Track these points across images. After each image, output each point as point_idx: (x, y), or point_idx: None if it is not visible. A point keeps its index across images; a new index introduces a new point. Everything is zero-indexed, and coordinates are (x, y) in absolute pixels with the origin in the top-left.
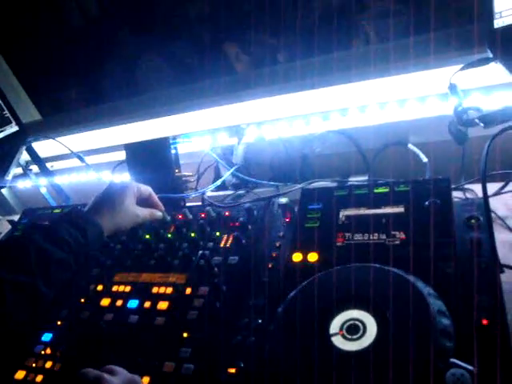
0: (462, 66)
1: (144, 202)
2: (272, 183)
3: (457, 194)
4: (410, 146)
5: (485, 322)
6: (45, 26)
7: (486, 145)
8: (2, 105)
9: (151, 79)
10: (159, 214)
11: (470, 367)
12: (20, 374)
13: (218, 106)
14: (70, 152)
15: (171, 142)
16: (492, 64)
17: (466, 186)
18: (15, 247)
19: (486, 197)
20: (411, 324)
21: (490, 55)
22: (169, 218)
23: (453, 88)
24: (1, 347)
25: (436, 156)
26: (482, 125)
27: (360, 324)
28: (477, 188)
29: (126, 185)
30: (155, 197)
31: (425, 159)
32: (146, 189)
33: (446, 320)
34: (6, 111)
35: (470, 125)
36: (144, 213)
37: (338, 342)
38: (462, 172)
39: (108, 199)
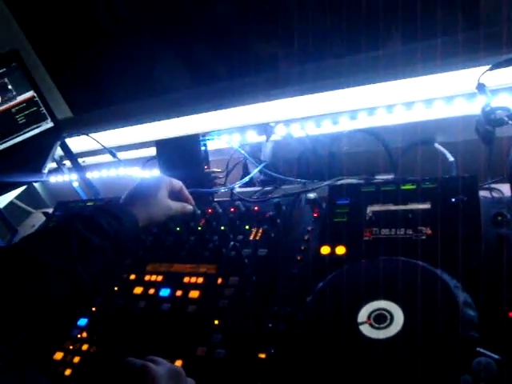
0: (490, 66)
1: (175, 195)
2: (299, 180)
3: (483, 194)
4: (437, 145)
5: (511, 314)
6: (74, 25)
7: None
8: (39, 101)
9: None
10: (190, 207)
11: (495, 356)
12: (58, 355)
13: (248, 104)
14: (101, 148)
15: (201, 138)
16: None
17: (493, 186)
18: (58, 234)
19: None
20: (437, 314)
21: None
22: (199, 211)
23: (481, 88)
24: (41, 329)
25: (462, 155)
26: (510, 122)
27: (387, 314)
28: (503, 188)
29: (158, 178)
30: (186, 191)
31: (451, 158)
32: (178, 183)
33: (472, 311)
34: (43, 107)
35: (497, 124)
36: (176, 206)
37: (366, 330)
38: (488, 172)
39: (142, 192)
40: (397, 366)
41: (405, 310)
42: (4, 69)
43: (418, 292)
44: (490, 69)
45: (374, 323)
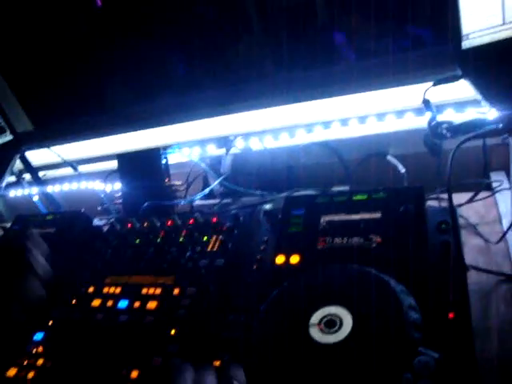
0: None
1: None
2: (258, 192)
3: (432, 203)
4: (389, 157)
5: (451, 315)
6: (35, 36)
7: (451, 154)
8: None
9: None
10: None
11: (435, 354)
12: (12, 372)
13: (208, 117)
14: (62, 161)
15: (162, 152)
16: (462, 81)
17: (441, 196)
18: None
19: (450, 202)
20: (383, 317)
21: (460, 73)
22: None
23: (426, 103)
24: None
25: (413, 167)
26: (448, 135)
27: (337, 319)
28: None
29: None
30: None
31: (402, 170)
32: None
33: (416, 314)
34: (1, 120)
35: (442, 138)
36: None
37: (317, 335)
38: (437, 182)
39: None
40: (345, 368)
41: (353, 314)
42: None
43: (365, 297)
44: (434, 85)
45: (324, 328)
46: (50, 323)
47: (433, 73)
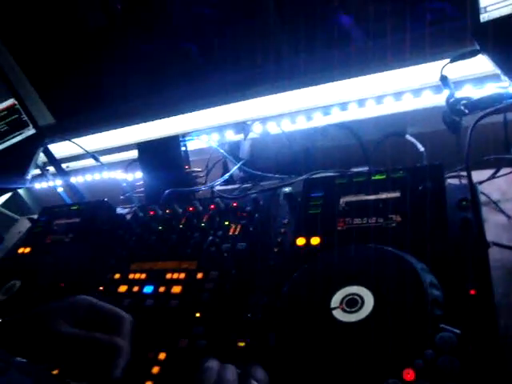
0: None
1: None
2: (277, 176)
3: (452, 181)
4: (408, 136)
5: (472, 292)
6: (53, 29)
7: (469, 130)
8: (20, 109)
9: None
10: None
11: (456, 330)
12: None
13: (225, 104)
14: (84, 152)
15: (181, 139)
16: (480, 56)
17: (462, 173)
18: None
19: (469, 179)
20: (404, 295)
21: (478, 47)
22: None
23: (444, 80)
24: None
25: (433, 145)
26: (467, 111)
27: (359, 298)
28: (472, 174)
29: None
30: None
31: (422, 148)
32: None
33: (437, 291)
34: (24, 115)
35: (461, 114)
36: None
37: (339, 315)
38: (457, 159)
39: None
40: (367, 346)
41: (375, 293)
42: None
43: (386, 276)
44: (451, 61)
45: (346, 308)
46: None
47: (450, 49)
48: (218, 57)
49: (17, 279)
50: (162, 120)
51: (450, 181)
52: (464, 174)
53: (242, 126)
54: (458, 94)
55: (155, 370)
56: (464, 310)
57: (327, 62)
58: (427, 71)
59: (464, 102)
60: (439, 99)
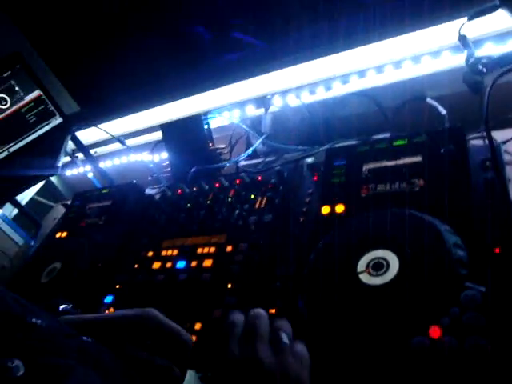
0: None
1: None
2: (300, 147)
3: (476, 142)
4: (429, 99)
5: (497, 250)
6: (74, 14)
7: (488, 88)
8: (46, 99)
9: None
10: None
11: (481, 288)
12: None
13: (245, 79)
14: (110, 137)
15: (203, 117)
16: (500, 11)
17: (485, 134)
18: None
19: (489, 137)
20: (429, 256)
21: (497, 2)
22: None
23: (463, 39)
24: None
25: (454, 107)
26: (487, 70)
27: (384, 262)
28: (496, 134)
29: None
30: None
31: (443, 111)
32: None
33: (461, 251)
34: (50, 105)
35: (482, 73)
36: None
37: (365, 278)
38: (480, 120)
39: None
40: (394, 306)
41: (399, 256)
42: (9, 71)
43: (411, 238)
44: (469, 19)
45: (372, 271)
46: (118, 287)
47: (467, 7)
48: (235, 33)
49: (57, 262)
50: (184, 100)
51: (473, 142)
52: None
53: (262, 101)
54: (479, 53)
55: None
56: (489, 269)
57: (346, 29)
58: (445, 32)
59: (484, 60)
60: (459, 60)
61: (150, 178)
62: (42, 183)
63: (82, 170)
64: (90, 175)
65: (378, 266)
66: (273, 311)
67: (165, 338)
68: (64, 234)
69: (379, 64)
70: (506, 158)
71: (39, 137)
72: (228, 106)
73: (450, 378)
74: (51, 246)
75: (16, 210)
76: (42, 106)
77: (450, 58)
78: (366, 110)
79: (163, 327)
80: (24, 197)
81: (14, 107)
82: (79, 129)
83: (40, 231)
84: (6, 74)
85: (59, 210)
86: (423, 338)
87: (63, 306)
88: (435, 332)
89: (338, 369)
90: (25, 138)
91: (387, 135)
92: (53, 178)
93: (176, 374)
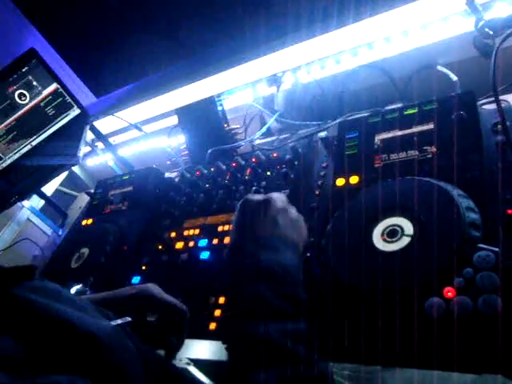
0: None
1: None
2: (313, 123)
3: (489, 106)
4: (439, 67)
5: (510, 211)
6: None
7: (494, 50)
8: (63, 92)
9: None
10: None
11: (495, 249)
12: None
13: (256, 58)
14: (127, 125)
15: (217, 99)
16: None
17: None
18: None
19: (497, 99)
20: (442, 220)
21: None
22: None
23: (470, 3)
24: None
25: (466, 73)
26: (491, 32)
27: (398, 228)
28: (508, 97)
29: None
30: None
31: (454, 78)
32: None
33: (474, 214)
34: (68, 97)
35: (492, 37)
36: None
37: (381, 245)
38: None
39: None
40: (409, 270)
41: (413, 222)
42: (26, 67)
43: (424, 205)
44: None
45: (387, 238)
46: (144, 268)
47: None
48: (244, 12)
49: (84, 248)
50: (197, 83)
51: (485, 107)
52: (501, 98)
53: (273, 79)
54: (488, 17)
55: (217, 312)
56: (502, 230)
57: (352, 2)
58: None
59: (492, 23)
60: (468, 26)
61: (168, 163)
62: (65, 174)
63: (102, 159)
64: (111, 163)
65: (393, 233)
66: None
67: (160, 310)
68: (90, 221)
69: (387, 35)
70: None
71: (59, 129)
72: (240, 87)
73: (464, 336)
74: (78, 233)
75: (42, 202)
76: (60, 99)
77: (459, 24)
78: (377, 82)
79: (157, 300)
80: (48, 188)
81: (34, 102)
82: (97, 118)
83: (66, 220)
84: (23, 70)
85: (83, 199)
86: (438, 298)
87: (77, 287)
88: (450, 293)
89: (359, 333)
90: (46, 131)
91: (398, 106)
92: (75, 169)
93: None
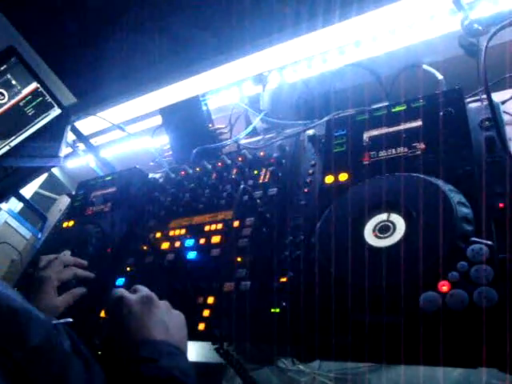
0: None
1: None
2: (299, 122)
3: (474, 105)
4: (425, 66)
5: (501, 205)
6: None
7: (484, 46)
8: (43, 91)
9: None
10: (79, 291)
11: (489, 242)
12: (103, 313)
13: (242, 57)
14: (109, 126)
15: (201, 99)
16: None
17: (483, 96)
18: None
19: (489, 96)
20: (434, 215)
21: None
22: (92, 275)
23: (456, 2)
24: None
25: (451, 72)
26: (482, 30)
27: (390, 224)
28: (495, 96)
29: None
30: (80, 273)
31: (440, 77)
32: (68, 273)
33: (466, 209)
34: (48, 96)
35: (477, 35)
36: (65, 301)
37: (372, 241)
38: (478, 84)
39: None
40: (403, 265)
41: (405, 218)
42: (5, 65)
43: (415, 199)
44: None
45: (378, 234)
46: (128, 269)
47: None
48: (229, 10)
49: (66, 251)
50: (181, 82)
51: (471, 105)
52: (485, 96)
53: (259, 78)
54: (474, 15)
55: (206, 312)
56: (494, 223)
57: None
58: None
59: (479, 20)
60: (453, 25)
61: (151, 164)
62: (44, 176)
63: (83, 161)
64: (93, 165)
65: (385, 229)
66: (284, 279)
67: None
68: (71, 223)
69: (374, 34)
70: (507, 117)
71: (39, 129)
72: (225, 86)
73: (460, 329)
74: (59, 235)
75: (21, 205)
76: (40, 99)
77: (444, 24)
78: (363, 81)
79: None
80: (27, 191)
81: (12, 101)
82: (78, 118)
83: (46, 224)
84: (1, 68)
85: (64, 202)
86: (432, 293)
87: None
88: (445, 287)
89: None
90: (25, 132)
91: (386, 104)
92: (55, 171)
93: None
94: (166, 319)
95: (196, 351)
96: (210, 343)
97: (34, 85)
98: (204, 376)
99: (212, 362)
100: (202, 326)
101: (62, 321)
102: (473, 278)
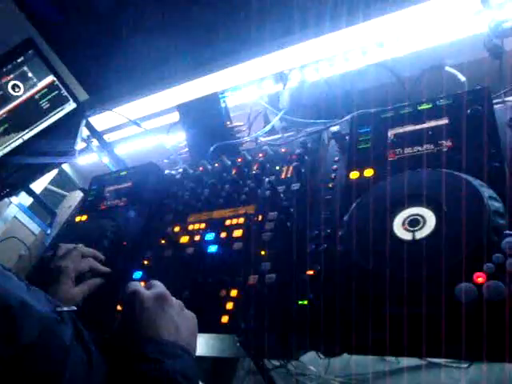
0: None
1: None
2: (318, 121)
3: (498, 106)
4: (447, 68)
5: None
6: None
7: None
8: (59, 85)
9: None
10: (96, 281)
11: None
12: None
13: (262, 55)
14: (124, 122)
15: (220, 96)
16: None
17: (506, 99)
18: None
19: None
20: (466, 209)
21: None
22: (109, 270)
23: (485, 1)
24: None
25: (474, 74)
26: (509, 31)
27: (420, 218)
28: None
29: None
30: (97, 266)
31: (463, 79)
32: (86, 264)
33: (497, 203)
34: (64, 90)
35: (504, 35)
36: (81, 291)
37: (401, 234)
38: (500, 85)
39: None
40: (436, 258)
41: (436, 212)
42: (22, 58)
43: (445, 194)
44: None
45: (408, 227)
46: (146, 263)
47: None
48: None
49: (80, 244)
50: (200, 79)
51: (494, 106)
52: (508, 99)
53: (279, 76)
54: (501, 16)
55: (229, 305)
56: None
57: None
58: None
59: (508, 24)
60: (478, 27)
61: (165, 161)
62: (55, 172)
63: (94, 158)
64: (106, 161)
65: (415, 223)
66: (311, 273)
67: None
68: (84, 218)
69: (398, 34)
70: None
71: (53, 123)
72: (245, 83)
73: (496, 320)
74: (72, 229)
75: (31, 199)
76: (56, 92)
77: (468, 26)
78: (385, 81)
79: None
80: (37, 186)
81: (28, 94)
82: (94, 113)
83: (55, 219)
84: (18, 61)
85: (74, 198)
86: (468, 283)
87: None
88: (480, 278)
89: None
90: (39, 125)
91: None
92: (65, 167)
93: None
94: (177, 319)
95: (208, 345)
96: (230, 337)
97: (50, 78)
98: (214, 375)
99: (225, 356)
100: (225, 319)
101: (65, 308)
102: (509, 270)
